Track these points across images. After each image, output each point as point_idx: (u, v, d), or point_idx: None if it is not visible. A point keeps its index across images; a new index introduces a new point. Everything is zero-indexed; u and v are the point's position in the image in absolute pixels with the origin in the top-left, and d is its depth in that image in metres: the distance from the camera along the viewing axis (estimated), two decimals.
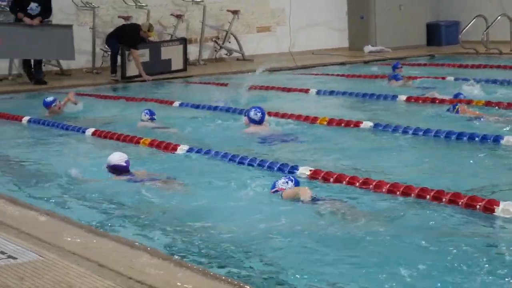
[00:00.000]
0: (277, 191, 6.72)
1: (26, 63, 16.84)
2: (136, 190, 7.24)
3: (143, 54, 17.35)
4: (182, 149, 8.92)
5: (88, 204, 6.98)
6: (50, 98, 12.45)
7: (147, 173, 7.78)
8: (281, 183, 6.73)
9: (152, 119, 10.87)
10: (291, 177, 6.88)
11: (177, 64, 18.08)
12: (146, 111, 10.97)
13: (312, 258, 5.31)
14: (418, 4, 22.13)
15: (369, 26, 21.73)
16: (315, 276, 4.96)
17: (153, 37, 17.63)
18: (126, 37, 17.11)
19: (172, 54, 17.96)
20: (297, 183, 6.77)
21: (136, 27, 17.29)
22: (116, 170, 7.64)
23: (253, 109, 9.81)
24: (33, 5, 16.19)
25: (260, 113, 9.72)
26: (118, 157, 7.68)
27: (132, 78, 17.13)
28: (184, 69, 18.19)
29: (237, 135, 9.97)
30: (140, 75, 17.03)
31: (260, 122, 9.76)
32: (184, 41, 18.38)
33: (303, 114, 10.83)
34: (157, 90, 15.76)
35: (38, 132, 10.91)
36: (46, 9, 16.34)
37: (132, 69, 17.15)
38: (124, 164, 7.65)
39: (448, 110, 10.68)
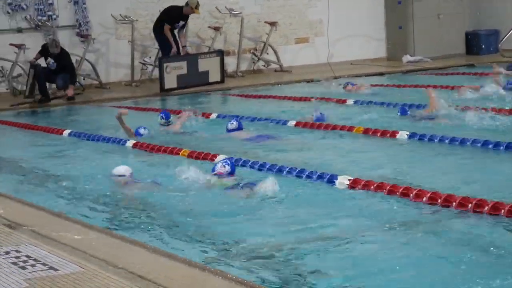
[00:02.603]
0: (216, 174, 7.78)
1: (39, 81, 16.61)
2: (171, 201, 7.28)
3: (181, 67, 17.43)
4: (219, 159, 8.93)
5: (126, 216, 7.02)
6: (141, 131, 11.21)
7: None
8: (220, 166, 7.88)
9: (167, 122, 11.03)
10: (228, 161, 7.94)
11: (214, 76, 18.10)
12: (161, 114, 11.10)
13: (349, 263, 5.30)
14: (457, 13, 21.97)
15: (407, 36, 21.61)
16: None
17: (198, 14, 18.03)
18: (165, 12, 17.66)
19: (209, 66, 17.99)
20: (233, 167, 7.91)
21: (178, 7, 17.78)
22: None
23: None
24: (50, 60, 16.32)
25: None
26: (124, 170, 8.14)
27: (170, 90, 17.22)
28: (222, 81, 18.22)
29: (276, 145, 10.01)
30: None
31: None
32: (221, 53, 18.41)
33: (339, 123, 10.87)
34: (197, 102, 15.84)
35: (78, 145, 10.98)
36: (63, 67, 16.36)
37: (170, 82, 17.23)
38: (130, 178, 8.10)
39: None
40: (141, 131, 11.03)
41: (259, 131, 10.94)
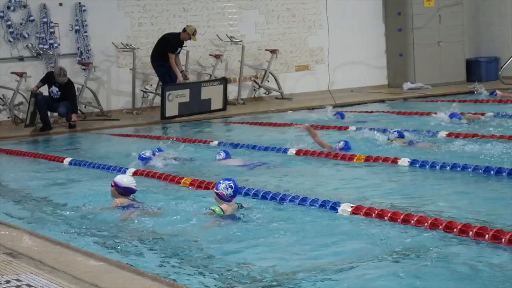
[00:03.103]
0: (217, 193, 7.79)
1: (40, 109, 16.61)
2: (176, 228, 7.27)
3: (183, 94, 17.46)
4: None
5: (128, 244, 7.01)
6: (147, 154, 11.16)
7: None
8: (223, 187, 7.78)
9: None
10: (232, 185, 7.78)
11: (216, 104, 18.13)
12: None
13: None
14: (457, 40, 22.06)
15: (407, 63, 21.70)
16: None
17: (195, 41, 18.11)
18: (165, 42, 17.68)
19: (212, 94, 18.03)
20: (235, 191, 7.82)
21: (176, 34, 17.96)
22: (126, 191, 8.35)
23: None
24: (54, 88, 16.37)
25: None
26: (129, 180, 8.46)
27: (171, 118, 17.24)
28: (224, 109, 18.25)
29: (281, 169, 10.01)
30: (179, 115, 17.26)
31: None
32: (224, 81, 18.46)
33: (340, 153, 10.89)
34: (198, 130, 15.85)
35: (79, 173, 10.97)
36: (66, 95, 16.39)
37: (171, 109, 17.26)
38: (135, 188, 8.39)
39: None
40: (146, 155, 11.00)
41: (255, 159, 10.93)
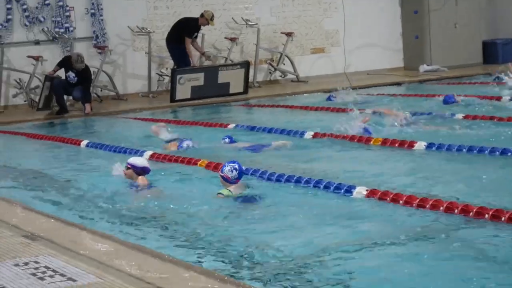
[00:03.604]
0: (222, 176, 7.86)
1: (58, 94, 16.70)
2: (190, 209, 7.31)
3: (197, 78, 17.47)
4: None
5: (144, 226, 7.04)
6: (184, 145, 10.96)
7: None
8: (227, 170, 7.84)
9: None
10: (237, 167, 7.84)
11: (237, 87, 18.06)
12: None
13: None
14: (474, 22, 21.94)
15: (424, 45, 21.60)
16: None
17: (213, 25, 18.14)
18: (183, 25, 17.71)
19: (231, 77, 17.97)
20: (240, 174, 7.85)
21: (194, 18, 17.99)
22: (144, 171, 8.57)
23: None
24: (70, 73, 16.38)
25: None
26: (142, 160, 8.74)
27: (181, 101, 17.31)
28: (245, 92, 18.20)
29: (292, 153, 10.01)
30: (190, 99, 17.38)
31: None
32: (246, 65, 18.40)
33: (356, 135, 10.87)
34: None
35: (96, 155, 11.01)
36: (83, 80, 16.41)
37: (183, 92, 17.29)
38: (149, 168, 8.63)
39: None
40: (184, 144, 10.91)
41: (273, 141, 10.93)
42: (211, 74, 17.73)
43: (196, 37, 18.02)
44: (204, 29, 18.81)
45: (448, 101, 13.90)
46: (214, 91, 17.71)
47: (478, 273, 5.23)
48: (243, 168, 8.09)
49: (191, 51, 17.68)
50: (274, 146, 10.58)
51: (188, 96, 17.36)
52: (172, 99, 17.28)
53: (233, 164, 7.92)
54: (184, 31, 17.68)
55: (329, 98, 16.02)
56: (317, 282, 5.24)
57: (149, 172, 8.60)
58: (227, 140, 11.23)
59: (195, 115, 15.86)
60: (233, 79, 17.97)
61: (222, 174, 7.91)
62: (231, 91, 17.96)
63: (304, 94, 17.93)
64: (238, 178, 7.91)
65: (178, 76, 17.17)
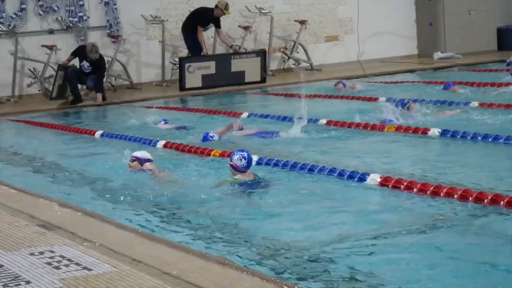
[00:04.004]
0: (232, 164, 7.89)
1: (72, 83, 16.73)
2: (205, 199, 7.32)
3: (208, 66, 17.46)
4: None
5: (158, 215, 7.06)
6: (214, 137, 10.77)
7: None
8: (236, 158, 7.86)
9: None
10: (246, 155, 7.86)
11: (253, 76, 17.98)
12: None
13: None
14: (488, 8, 21.82)
15: (438, 32, 21.51)
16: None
17: (228, 14, 18.01)
18: (198, 15, 17.72)
19: (246, 66, 17.93)
20: (249, 162, 7.86)
21: (209, 9, 17.92)
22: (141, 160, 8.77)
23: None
24: (85, 63, 16.40)
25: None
26: (145, 153, 8.88)
27: (191, 89, 17.35)
28: (262, 81, 18.13)
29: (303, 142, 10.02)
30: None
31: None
32: (262, 54, 18.33)
33: (370, 122, 10.85)
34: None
35: (110, 145, 11.03)
36: (97, 70, 16.43)
37: (191, 81, 17.32)
38: (152, 159, 8.81)
39: (396, 105, 11.43)
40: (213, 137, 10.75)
41: (287, 130, 10.91)
42: (223, 63, 17.69)
43: (218, 26, 18.01)
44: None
45: (447, 88, 14.24)
46: (228, 80, 17.67)
47: (493, 260, 5.23)
48: (252, 156, 8.10)
49: (203, 40, 17.66)
50: (282, 136, 10.57)
51: (199, 85, 17.36)
52: (182, 87, 17.31)
53: (242, 153, 7.95)
54: (198, 21, 17.68)
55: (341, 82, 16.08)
56: (331, 270, 5.25)
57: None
58: (162, 122, 12.18)
59: (207, 104, 15.85)
60: (249, 67, 17.91)
61: (231, 163, 7.95)
62: (246, 80, 17.91)
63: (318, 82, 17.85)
64: (247, 167, 7.94)
65: (187, 65, 17.20)
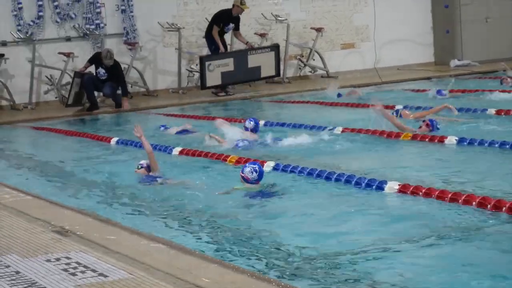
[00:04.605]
0: (243, 176, 7.90)
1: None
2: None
3: (227, 64, 17.58)
4: (268, 165, 8.96)
5: (174, 222, 7.06)
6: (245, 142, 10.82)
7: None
8: (248, 171, 7.89)
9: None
10: (257, 168, 7.90)
11: (268, 70, 18.23)
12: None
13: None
14: (505, 16, 21.75)
15: (455, 40, 21.45)
16: None
17: (247, 9, 18.11)
18: (215, 16, 17.90)
19: (262, 61, 18.09)
20: (260, 176, 7.90)
21: (228, 9, 18.08)
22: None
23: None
24: (101, 70, 16.44)
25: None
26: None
27: (212, 88, 17.51)
28: (277, 75, 18.38)
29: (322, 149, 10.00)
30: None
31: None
32: (276, 48, 18.50)
33: (386, 130, 10.81)
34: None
35: (126, 153, 11.04)
36: (113, 76, 16.48)
37: (211, 79, 17.44)
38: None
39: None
40: (240, 143, 10.71)
41: (304, 138, 10.89)
42: (240, 59, 17.83)
43: (236, 28, 18.14)
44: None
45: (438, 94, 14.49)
46: (245, 76, 17.89)
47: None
48: (263, 169, 8.12)
49: (217, 38, 17.76)
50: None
51: (219, 82, 17.53)
52: (203, 86, 17.50)
53: (254, 166, 8.01)
54: (214, 21, 17.78)
55: (339, 95, 16.07)
56: (348, 278, 5.22)
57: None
58: (162, 129, 12.58)
59: (224, 111, 15.86)
60: (264, 62, 18.10)
61: (243, 175, 7.99)
62: (262, 75, 18.09)
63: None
64: (258, 180, 7.98)
65: (207, 63, 17.30)
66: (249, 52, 18.11)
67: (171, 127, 12.69)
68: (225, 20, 17.88)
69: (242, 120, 12.46)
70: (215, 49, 17.83)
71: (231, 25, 17.99)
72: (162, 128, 12.77)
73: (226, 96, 17.58)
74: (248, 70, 17.87)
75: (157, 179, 8.69)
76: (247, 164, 8.10)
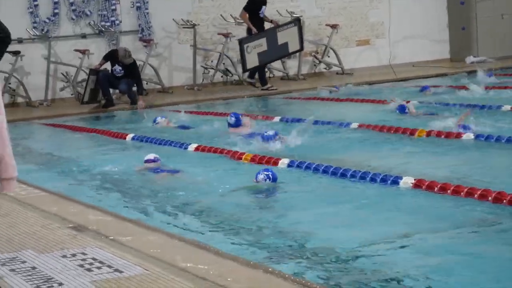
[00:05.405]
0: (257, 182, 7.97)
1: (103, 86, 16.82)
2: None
3: (261, 44, 17.72)
4: (283, 163, 8.96)
5: (189, 218, 7.08)
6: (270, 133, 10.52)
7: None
8: (261, 178, 7.95)
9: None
10: (270, 175, 7.93)
11: (293, 46, 18.40)
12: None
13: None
14: None
15: (470, 36, 21.36)
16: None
17: None
18: (249, 3, 18.10)
19: (288, 37, 18.25)
20: (274, 181, 7.92)
21: None
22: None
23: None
24: (117, 67, 16.45)
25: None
26: (150, 156, 9.50)
27: (252, 69, 17.78)
28: (301, 49, 18.64)
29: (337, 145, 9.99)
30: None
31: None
32: (298, 22, 18.62)
33: (402, 126, 10.79)
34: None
35: (142, 149, 11.05)
36: (129, 74, 16.48)
37: (252, 61, 17.63)
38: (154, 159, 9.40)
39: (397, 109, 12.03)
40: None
41: (319, 134, 10.88)
42: (271, 37, 18.02)
43: (261, 11, 18.23)
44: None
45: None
46: (276, 54, 18.16)
47: None
48: (277, 175, 8.12)
49: (248, 22, 17.91)
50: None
51: (257, 64, 17.76)
52: (244, 69, 17.82)
53: (267, 173, 8.05)
54: (248, 7, 17.97)
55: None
56: (362, 272, 5.22)
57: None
58: (163, 118, 13.07)
59: (240, 107, 15.85)
60: (290, 38, 18.28)
61: (256, 181, 8.02)
62: (290, 51, 18.40)
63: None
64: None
65: (245, 45, 17.50)
66: (277, 29, 18.27)
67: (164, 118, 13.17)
68: (258, 4, 18.01)
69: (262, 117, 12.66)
70: (250, 33, 18.03)
71: (264, 8, 18.09)
72: (162, 118, 13.10)
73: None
74: (278, 47, 18.13)
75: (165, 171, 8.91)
76: (260, 171, 8.12)
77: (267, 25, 18.56)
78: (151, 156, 9.54)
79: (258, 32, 17.94)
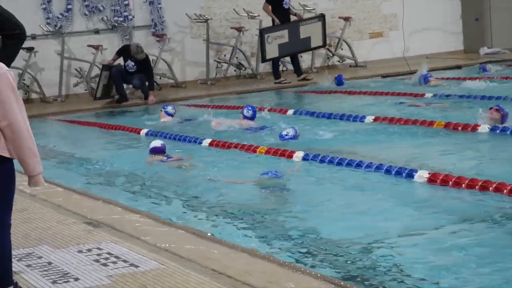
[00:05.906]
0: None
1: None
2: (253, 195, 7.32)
3: (282, 35, 17.69)
4: (297, 156, 8.95)
5: (204, 213, 7.08)
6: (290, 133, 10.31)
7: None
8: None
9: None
10: (276, 173, 7.99)
11: (316, 41, 18.37)
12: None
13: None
14: None
15: (484, 27, 21.26)
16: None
17: None
18: None
19: (311, 31, 18.22)
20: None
21: None
22: (162, 151, 9.61)
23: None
24: (130, 62, 16.43)
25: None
26: (156, 142, 9.78)
27: (271, 60, 17.76)
28: (324, 45, 18.69)
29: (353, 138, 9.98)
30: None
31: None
32: (322, 18, 18.58)
33: (419, 118, 10.75)
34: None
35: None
36: (142, 69, 16.45)
37: (271, 51, 17.58)
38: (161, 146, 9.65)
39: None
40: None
41: (333, 128, 10.86)
42: (293, 30, 17.96)
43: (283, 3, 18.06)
44: (262, 15, 18.68)
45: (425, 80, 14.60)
46: (298, 47, 18.08)
47: None
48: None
49: (271, 13, 17.80)
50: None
51: (277, 55, 17.74)
52: (263, 59, 17.78)
53: (274, 173, 8.08)
54: (271, 1, 17.86)
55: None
56: (377, 265, 5.21)
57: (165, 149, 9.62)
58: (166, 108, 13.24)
59: (252, 101, 15.82)
60: (313, 33, 18.25)
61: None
62: (312, 46, 18.41)
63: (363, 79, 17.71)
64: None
65: (266, 35, 17.47)
66: (301, 23, 18.23)
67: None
68: None
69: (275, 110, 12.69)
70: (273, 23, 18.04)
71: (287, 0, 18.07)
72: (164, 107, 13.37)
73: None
74: (300, 41, 18.08)
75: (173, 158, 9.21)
76: (268, 172, 8.12)
77: (292, 18, 18.52)
78: (157, 143, 9.70)
79: (282, 23, 17.90)
